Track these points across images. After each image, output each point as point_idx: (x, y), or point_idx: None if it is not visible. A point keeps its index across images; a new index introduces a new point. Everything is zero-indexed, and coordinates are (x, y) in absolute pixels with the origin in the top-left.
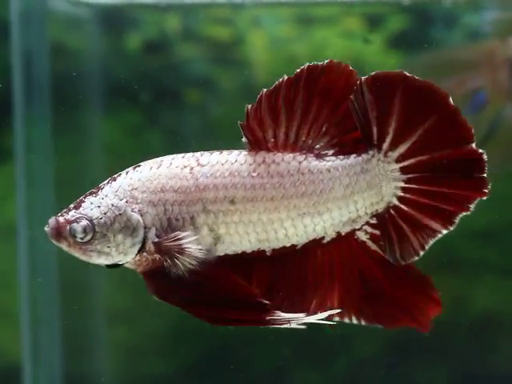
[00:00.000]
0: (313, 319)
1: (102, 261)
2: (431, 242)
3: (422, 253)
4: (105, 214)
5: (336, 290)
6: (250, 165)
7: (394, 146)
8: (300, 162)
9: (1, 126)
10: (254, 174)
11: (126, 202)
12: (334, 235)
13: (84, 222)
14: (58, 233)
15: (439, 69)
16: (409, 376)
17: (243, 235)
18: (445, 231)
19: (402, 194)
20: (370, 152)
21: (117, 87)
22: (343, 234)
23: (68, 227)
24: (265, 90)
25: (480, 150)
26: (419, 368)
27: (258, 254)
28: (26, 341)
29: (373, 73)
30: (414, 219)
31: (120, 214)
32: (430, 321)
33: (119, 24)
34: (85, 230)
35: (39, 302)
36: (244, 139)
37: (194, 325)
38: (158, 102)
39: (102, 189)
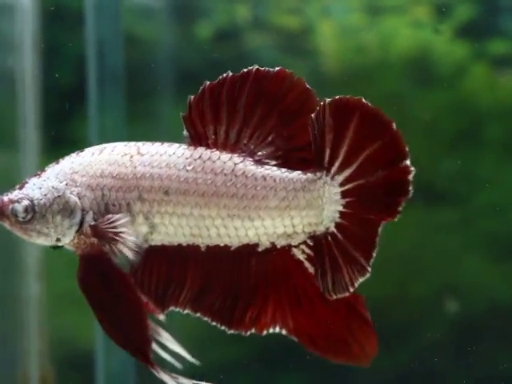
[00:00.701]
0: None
1: (42, 241)
2: (360, 279)
3: (351, 290)
4: (45, 195)
5: (270, 306)
6: (187, 158)
7: (341, 169)
8: (236, 164)
9: (75, 115)
10: (189, 168)
11: (66, 184)
12: (268, 245)
13: (25, 202)
14: (1, 211)
15: None
16: (480, 360)
17: (177, 227)
18: (369, 269)
19: (339, 220)
20: (318, 173)
21: (188, 76)
22: (278, 246)
23: (10, 207)
24: (208, 82)
25: (411, 168)
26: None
27: (194, 249)
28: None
29: (336, 97)
30: (347, 250)
31: (59, 196)
32: (369, 358)
33: (190, 14)
34: (26, 210)
35: None
36: (185, 132)
37: None
38: None
39: (45, 171)
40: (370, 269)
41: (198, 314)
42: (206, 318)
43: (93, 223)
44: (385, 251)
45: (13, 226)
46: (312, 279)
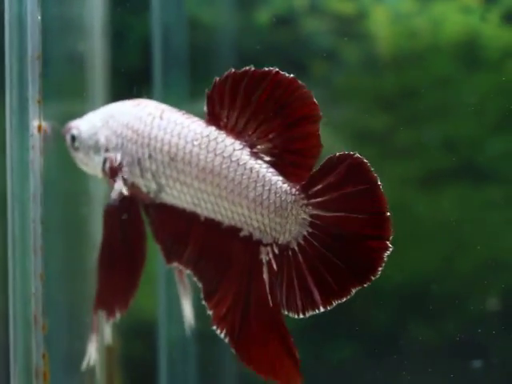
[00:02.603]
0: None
1: (84, 168)
2: (311, 312)
3: (301, 316)
4: (87, 130)
5: (230, 295)
6: (196, 134)
7: (317, 207)
8: (235, 150)
9: (141, 94)
10: (195, 143)
11: (102, 125)
12: (247, 234)
13: (73, 132)
14: (63, 134)
15: None
16: None
17: (180, 193)
18: (322, 310)
19: (302, 242)
20: (294, 191)
21: (247, 59)
22: (254, 238)
23: (67, 133)
24: (233, 69)
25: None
26: None
27: (195, 217)
28: (162, 298)
29: (365, 160)
30: (304, 278)
31: (94, 134)
32: None
33: (250, 0)
34: (73, 139)
35: None
36: (205, 108)
37: None
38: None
39: (100, 109)
40: (322, 309)
41: (195, 278)
42: (199, 284)
43: (110, 164)
44: (431, 226)
45: (68, 148)
46: (263, 287)
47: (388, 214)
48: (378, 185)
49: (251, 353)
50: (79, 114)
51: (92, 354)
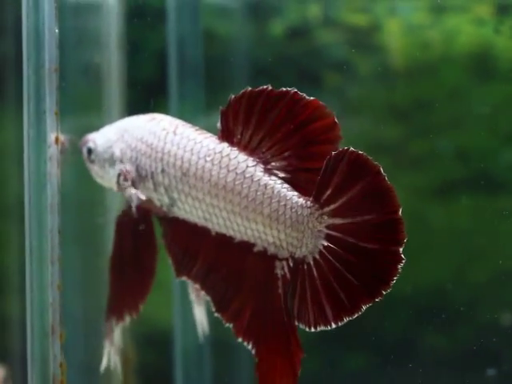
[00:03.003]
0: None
1: (100, 181)
2: (323, 328)
3: (312, 330)
4: (103, 143)
5: (248, 308)
6: (209, 150)
7: (331, 214)
8: (248, 166)
9: (157, 107)
10: (208, 159)
11: (117, 139)
12: (261, 249)
13: (90, 145)
14: (80, 147)
15: None
16: None
17: (192, 207)
18: (334, 325)
19: (317, 257)
20: (309, 203)
21: (261, 71)
22: (269, 253)
23: (83, 146)
24: (249, 88)
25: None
26: None
27: (206, 231)
28: (177, 307)
29: (360, 152)
30: (317, 292)
31: (110, 147)
32: None
33: (264, 12)
34: (89, 152)
35: None
36: (218, 124)
37: None
38: (300, 85)
39: (115, 123)
40: (334, 325)
41: (203, 292)
42: (208, 297)
43: (124, 177)
44: (444, 236)
45: (85, 161)
46: (278, 301)
47: (399, 207)
48: (380, 174)
49: (263, 367)
50: (96, 126)
51: (107, 357)
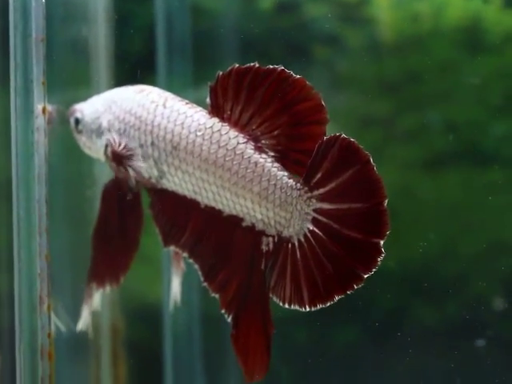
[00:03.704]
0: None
1: (88, 151)
2: (296, 307)
3: (286, 306)
4: (90, 113)
5: (235, 281)
6: (199, 124)
7: (320, 199)
8: (239, 143)
9: (145, 81)
10: (198, 133)
11: (105, 110)
12: (249, 224)
13: (77, 115)
14: (68, 117)
15: None
16: None
17: (181, 181)
18: (307, 309)
19: (302, 239)
20: (299, 185)
21: (250, 45)
22: (256, 229)
23: (71, 116)
24: (237, 65)
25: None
26: None
27: (195, 204)
28: (167, 281)
29: (352, 139)
30: (297, 273)
31: (97, 118)
32: (252, 377)
33: None
34: (76, 122)
35: None
36: (208, 100)
37: None
38: (289, 59)
39: (103, 94)
40: (308, 308)
41: (191, 260)
42: (196, 266)
43: (112, 148)
44: (435, 209)
45: (72, 131)
46: (260, 277)
47: (385, 198)
48: (370, 164)
49: (240, 338)
50: (83, 98)
51: (84, 317)
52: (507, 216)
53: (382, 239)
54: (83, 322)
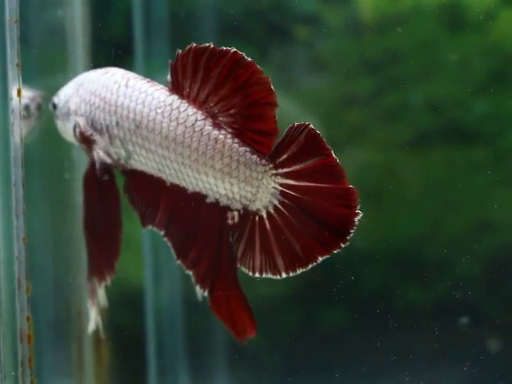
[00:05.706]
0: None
1: (64, 136)
2: (269, 275)
3: (256, 276)
4: (62, 97)
5: (206, 257)
6: (159, 102)
7: (285, 176)
8: (197, 120)
9: (123, 63)
10: (159, 111)
11: (73, 93)
12: (213, 200)
13: (53, 100)
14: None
15: None
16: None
17: (146, 159)
18: (284, 275)
19: (272, 211)
20: (264, 161)
21: (229, 26)
22: (221, 204)
23: (50, 102)
24: (194, 44)
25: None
26: None
27: (162, 182)
28: (148, 266)
29: (318, 131)
30: (268, 243)
31: (67, 101)
32: (244, 335)
33: None
34: (54, 107)
35: None
36: (168, 77)
37: None
38: (269, 39)
39: (76, 78)
40: (285, 275)
41: (166, 238)
42: (169, 243)
43: (79, 130)
44: (418, 189)
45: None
46: (229, 248)
47: (349, 186)
48: (331, 157)
49: (221, 307)
50: (61, 82)
51: (94, 318)
52: (491, 194)
53: (355, 209)
54: (93, 324)
